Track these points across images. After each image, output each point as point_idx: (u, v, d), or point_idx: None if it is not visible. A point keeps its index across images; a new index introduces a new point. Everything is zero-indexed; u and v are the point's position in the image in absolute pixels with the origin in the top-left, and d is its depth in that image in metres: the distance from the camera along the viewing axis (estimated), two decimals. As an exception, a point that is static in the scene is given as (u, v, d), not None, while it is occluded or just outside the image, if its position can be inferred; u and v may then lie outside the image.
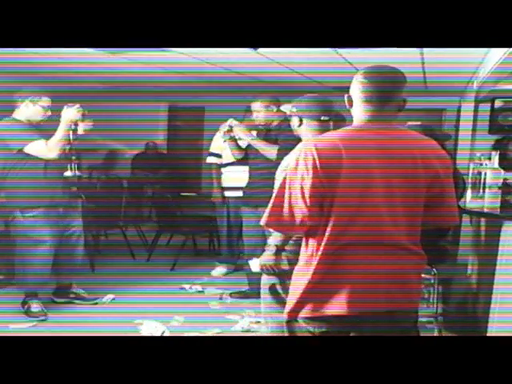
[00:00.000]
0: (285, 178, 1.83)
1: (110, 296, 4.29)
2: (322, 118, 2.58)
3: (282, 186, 1.82)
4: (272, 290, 2.86)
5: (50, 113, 3.91)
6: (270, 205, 1.86)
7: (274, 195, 1.86)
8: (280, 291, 2.80)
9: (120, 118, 7.69)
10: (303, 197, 1.76)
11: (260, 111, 4.15)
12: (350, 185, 1.74)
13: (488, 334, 2.87)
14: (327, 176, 1.73)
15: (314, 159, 1.73)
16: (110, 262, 5.39)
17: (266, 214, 1.86)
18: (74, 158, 3.90)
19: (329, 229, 1.76)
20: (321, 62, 4.70)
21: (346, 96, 1.91)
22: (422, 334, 2.33)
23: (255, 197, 4.02)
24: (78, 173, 3.95)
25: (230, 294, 4.47)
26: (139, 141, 7.88)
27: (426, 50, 3.99)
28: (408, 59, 4.34)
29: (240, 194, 4.66)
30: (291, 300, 1.88)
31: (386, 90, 1.84)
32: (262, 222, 1.87)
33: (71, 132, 3.77)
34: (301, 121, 2.63)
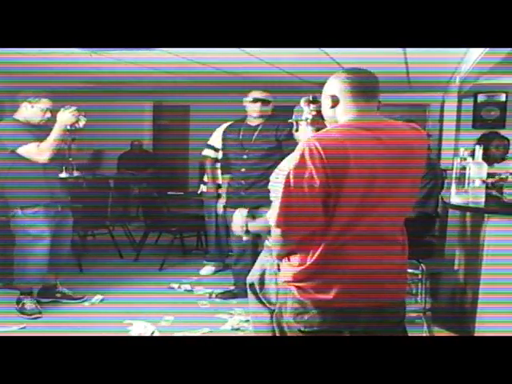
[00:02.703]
0: (288, 177, 1.77)
1: (99, 297, 4.28)
2: (311, 99, 2.53)
3: (288, 185, 1.76)
4: (251, 288, 2.89)
5: (49, 114, 3.94)
6: (279, 205, 1.81)
7: (281, 195, 1.80)
8: (257, 290, 2.82)
9: (105, 118, 7.66)
10: (311, 192, 1.72)
11: (256, 105, 4.10)
12: (355, 184, 1.73)
13: (476, 329, 2.91)
14: (334, 176, 1.71)
15: (321, 158, 1.69)
16: (98, 262, 5.37)
17: (274, 215, 1.82)
18: (70, 159, 3.95)
19: (331, 228, 1.75)
20: (308, 62, 4.73)
21: (329, 96, 1.89)
22: (410, 330, 2.36)
23: (253, 197, 3.95)
24: (76, 173, 4.00)
25: (216, 295, 4.44)
26: (124, 140, 7.85)
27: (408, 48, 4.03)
28: (391, 57, 4.38)
29: None
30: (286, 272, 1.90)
31: (373, 87, 1.88)
32: (272, 222, 1.84)
33: (68, 134, 3.82)
34: (297, 125, 2.59)
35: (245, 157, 4.09)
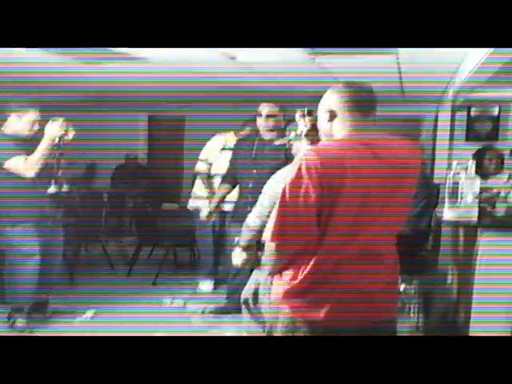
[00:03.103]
0: (284, 192, 1.74)
1: (91, 311, 4.23)
2: (306, 111, 2.50)
3: (284, 198, 1.74)
4: (246, 305, 2.87)
5: (37, 126, 3.85)
6: (273, 218, 1.79)
7: (276, 212, 1.78)
8: (251, 306, 2.80)
9: (99, 129, 7.66)
10: (306, 206, 1.70)
11: (269, 119, 3.95)
12: (349, 203, 1.71)
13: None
14: (330, 189, 1.69)
15: (318, 172, 1.68)
16: (91, 276, 5.32)
17: (269, 230, 1.80)
18: (59, 173, 3.85)
19: (323, 246, 1.73)
20: (299, 72, 4.73)
21: (326, 110, 1.87)
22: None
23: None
24: (65, 187, 3.92)
25: (208, 312, 4.37)
26: (119, 151, 7.84)
27: (402, 59, 4.04)
28: (385, 69, 4.39)
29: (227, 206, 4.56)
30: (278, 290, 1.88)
31: (370, 101, 1.88)
32: (267, 237, 1.82)
33: (57, 147, 3.73)
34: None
35: (254, 172, 3.98)
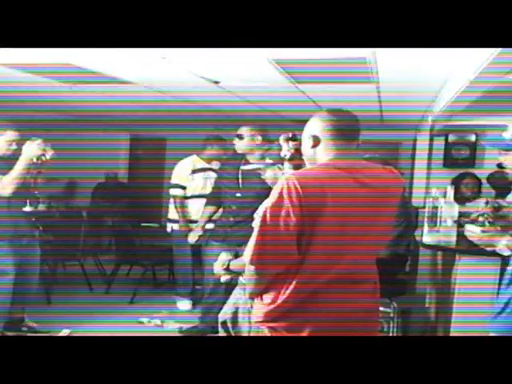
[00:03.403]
0: (265, 214, 1.76)
1: (66, 331, 4.18)
2: (291, 136, 2.52)
3: (264, 222, 1.75)
4: (223, 326, 2.85)
5: (15, 146, 3.83)
6: (252, 241, 1.80)
7: (256, 231, 1.80)
8: (230, 329, 2.79)
9: (80, 147, 7.63)
10: (286, 229, 1.71)
11: (243, 141, 3.96)
12: (330, 223, 1.73)
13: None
14: (310, 214, 1.71)
15: (298, 197, 1.69)
16: (68, 294, 5.24)
17: (249, 252, 1.80)
18: (36, 192, 3.87)
19: (304, 267, 1.75)
20: (279, 95, 4.80)
21: (310, 136, 1.90)
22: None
23: (238, 235, 3.76)
24: (41, 206, 3.90)
25: (185, 331, 4.35)
26: (99, 170, 7.80)
27: (382, 84, 4.14)
28: (365, 93, 4.49)
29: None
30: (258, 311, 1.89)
31: (354, 128, 1.92)
32: (246, 260, 1.83)
33: (34, 166, 3.72)
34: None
35: (238, 195, 3.98)
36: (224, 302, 2.99)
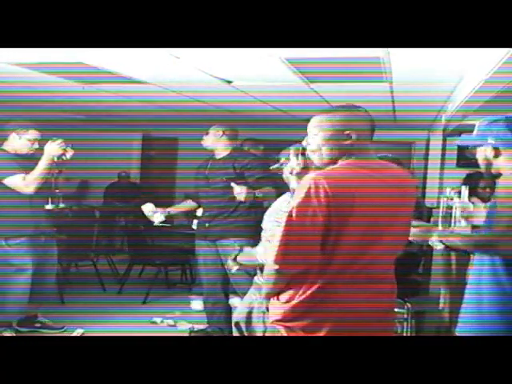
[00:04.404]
0: (291, 214, 1.72)
1: (80, 331, 4.20)
2: (301, 149, 2.45)
3: (290, 222, 1.72)
4: (237, 327, 2.85)
5: (37, 145, 3.94)
6: (278, 242, 1.75)
7: (281, 232, 1.75)
8: (243, 329, 2.78)
9: (93, 147, 7.67)
10: (313, 229, 1.69)
11: (209, 138, 4.15)
12: (358, 223, 1.71)
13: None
14: (338, 214, 1.69)
15: (327, 196, 1.66)
16: (81, 295, 5.27)
17: (274, 252, 1.76)
18: (57, 190, 3.95)
19: (331, 267, 1.74)
20: (292, 94, 4.79)
21: (342, 132, 1.82)
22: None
23: (216, 228, 3.99)
24: (62, 205, 4.00)
25: (196, 332, 4.34)
26: (112, 170, 7.84)
27: (395, 84, 4.11)
28: (378, 92, 4.47)
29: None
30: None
31: (374, 126, 1.91)
32: (269, 257, 1.80)
33: (55, 165, 3.81)
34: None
35: (208, 188, 4.10)
36: (225, 301, 2.99)
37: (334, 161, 1.85)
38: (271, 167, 2.84)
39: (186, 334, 4.33)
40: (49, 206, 3.96)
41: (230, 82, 4.34)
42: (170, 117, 6.95)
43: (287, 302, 1.81)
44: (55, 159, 3.79)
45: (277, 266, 1.77)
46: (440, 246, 2.29)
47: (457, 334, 2.26)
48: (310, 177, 1.74)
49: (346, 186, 1.72)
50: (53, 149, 3.76)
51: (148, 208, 4.09)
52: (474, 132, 2.39)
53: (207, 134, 4.17)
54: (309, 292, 1.76)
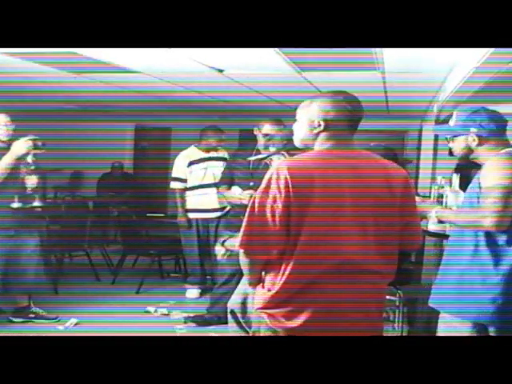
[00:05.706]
0: (255, 198, 1.77)
1: (74, 320, 4.21)
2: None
3: (252, 206, 1.76)
4: (232, 315, 2.87)
5: (11, 131, 3.83)
6: (242, 226, 1.80)
7: (246, 215, 1.79)
8: (239, 318, 2.80)
9: (85, 138, 7.65)
10: (273, 216, 1.72)
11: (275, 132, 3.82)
12: (319, 213, 1.73)
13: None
14: (298, 204, 1.71)
15: (286, 178, 1.70)
16: (74, 284, 5.27)
17: (239, 236, 1.81)
18: (29, 190, 3.86)
19: (296, 257, 1.75)
20: (284, 83, 4.78)
21: (317, 120, 1.84)
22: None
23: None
24: (36, 202, 3.93)
25: (190, 321, 4.36)
26: (105, 161, 7.82)
27: (387, 73, 4.12)
28: (370, 82, 4.47)
29: (206, 215, 4.86)
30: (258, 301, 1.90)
31: (361, 116, 1.89)
32: (237, 243, 1.83)
33: (24, 165, 3.75)
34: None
35: (251, 184, 3.88)
36: (233, 293, 3.01)
37: (308, 148, 1.90)
38: (250, 158, 2.88)
39: (182, 324, 4.35)
40: (14, 205, 3.82)
41: (221, 70, 4.33)
42: (163, 107, 6.93)
43: (269, 290, 1.83)
44: (29, 158, 3.73)
45: (242, 250, 1.81)
46: (434, 226, 2.36)
47: (430, 305, 2.36)
48: (275, 166, 1.79)
49: (306, 177, 1.73)
50: (19, 147, 3.67)
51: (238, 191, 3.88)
52: (453, 121, 2.42)
53: (264, 134, 3.85)
54: (284, 282, 1.77)
